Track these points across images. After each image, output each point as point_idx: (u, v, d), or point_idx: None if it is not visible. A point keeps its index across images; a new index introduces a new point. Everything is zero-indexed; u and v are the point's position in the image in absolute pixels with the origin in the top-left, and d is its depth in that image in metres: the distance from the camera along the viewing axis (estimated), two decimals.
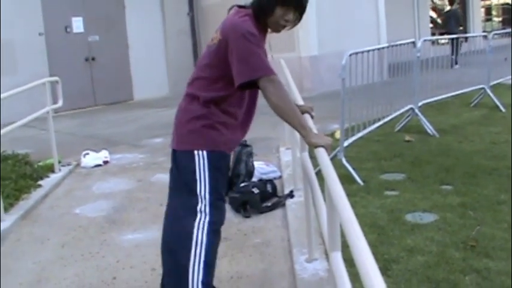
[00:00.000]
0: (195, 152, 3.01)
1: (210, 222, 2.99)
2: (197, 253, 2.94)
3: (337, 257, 2.34)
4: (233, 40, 2.89)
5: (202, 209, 2.99)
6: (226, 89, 3.01)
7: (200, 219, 2.98)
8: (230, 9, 3.15)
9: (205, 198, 3.00)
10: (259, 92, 3.01)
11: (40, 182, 6.60)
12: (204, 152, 3.01)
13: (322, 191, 2.86)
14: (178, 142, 3.10)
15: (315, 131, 3.08)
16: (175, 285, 3.01)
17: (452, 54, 12.19)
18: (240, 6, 3.11)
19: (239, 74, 2.88)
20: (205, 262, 2.96)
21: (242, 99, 3.13)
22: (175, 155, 3.13)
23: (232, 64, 2.90)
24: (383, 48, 8.13)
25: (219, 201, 3.09)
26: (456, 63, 12.34)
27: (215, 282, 3.88)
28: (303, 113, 3.53)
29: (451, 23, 17.37)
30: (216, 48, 2.99)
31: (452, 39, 11.33)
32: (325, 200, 2.56)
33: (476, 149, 7.19)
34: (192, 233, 2.96)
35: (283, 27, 3.10)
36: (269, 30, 3.13)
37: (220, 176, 3.11)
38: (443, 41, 13.82)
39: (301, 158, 3.97)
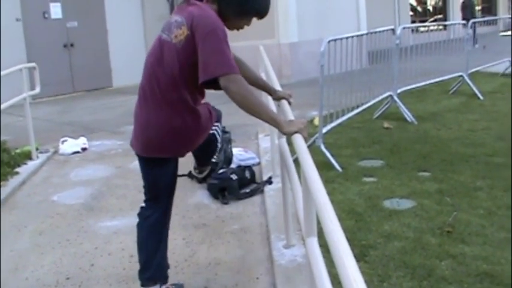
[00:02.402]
0: (212, 131, 3.49)
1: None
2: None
3: (313, 243, 2.35)
4: (203, 34, 2.84)
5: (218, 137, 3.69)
6: (195, 86, 3.01)
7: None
8: (182, 2, 3.08)
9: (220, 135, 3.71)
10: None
11: (17, 169, 6.55)
12: (216, 124, 3.57)
13: (300, 177, 2.87)
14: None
15: (291, 117, 3.08)
16: None
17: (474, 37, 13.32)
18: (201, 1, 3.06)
19: (203, 71, 2.84)
20: None
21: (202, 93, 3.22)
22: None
23: (199, 58, 2.85)
24: (362, 35, 8.13)
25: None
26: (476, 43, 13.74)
27: (193, 269, 3.91)
28: (280, 99, 3.55)
29: (468, 11, 20.43)
30: (184, 45, 2.92)
31: (474, 23, 11.72)
32: (301, 186, 2.57)
33: (454, 136, 7.25)
34: None
35: (239, 29, 3.20)
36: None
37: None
38: (422, 29, 13.88)
39: (279, 144, 3.98)
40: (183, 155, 3.25)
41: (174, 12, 3.09)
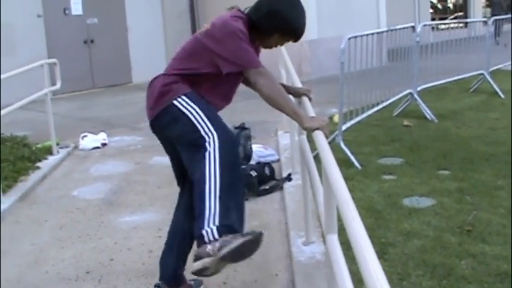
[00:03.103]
0: (174, 102, 3.01)
1: (219, 142, 2.91)
2: (212, 185, 2.82)
3: (333, 239, 2.35)
4: (223, 35, 2.98)
5: (208, 133, 2.93)
6: (201, 75, 3.07)
7: (209, 143, 2.91)
8: (230, 8, 3.21)
9: (206, 125, 2.95)
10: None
11: (38, 164, 6.60)
12: (182, 96, 3.02)
13: (320, 174, 2.86)
14: (153, 107, 3.10)
15: (312, 113, 3.09)
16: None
17: (495, 33, 13.43)
18: (240, 11, 3.19)
19: (228, 64, 2.97)
20: (220, 197, 2.81)
21: (216, 86, 3.15)
22: (155, 121, 3.12)
23: (219, 56, 2.97)
24: (382, 32, 8.09)
25: (221, 124, 3.02)
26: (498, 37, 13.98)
27: None
28: (300, 95, 3.56)
29: (496, 8, 20.98)
30: (201, 36, 3.07)
31: (496, 20, 11.73)
32: (322, 182, 2.57)
33: (475, 135, 7.20)
34: (204, 159, 2.88)
35: (271, 48, 3.29)
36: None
37: (208, 105, 3.08)
38: (442, 27, 13.80)
39: (299, 141, 3.97)
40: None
41: None
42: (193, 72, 3.06)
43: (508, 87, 10.40)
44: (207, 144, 2.91)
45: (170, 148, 3.28)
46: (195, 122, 2.96)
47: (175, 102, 3.00)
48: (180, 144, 3.11)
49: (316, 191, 3.03)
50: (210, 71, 3.04)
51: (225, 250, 2.70)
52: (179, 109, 3.00)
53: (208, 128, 2.94)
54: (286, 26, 3.14)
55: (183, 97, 3.01)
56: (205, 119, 2.96)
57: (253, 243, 2.82)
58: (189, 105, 2.99)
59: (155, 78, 3.18)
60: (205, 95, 3.10)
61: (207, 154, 2.88)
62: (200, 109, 2.98)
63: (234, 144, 3.08)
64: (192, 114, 2.97)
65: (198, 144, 2.93)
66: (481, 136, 7.11)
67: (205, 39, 3.03)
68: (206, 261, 2.73)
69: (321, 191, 2.76)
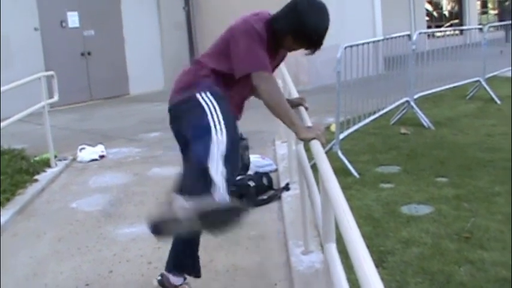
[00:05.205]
0: (196, 94, 3.04)
1: (227, 140, 2.95)
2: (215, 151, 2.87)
3: (332, 248, 2.35)
4: (239, 33, 3.02)
5: (216, 122, 2.95)
6: (223, 71, 3.11)
7: (216, 130, 2.93)
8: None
9: (219, 122, 2.96)
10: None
11: (36, 177, 6.59)
12: (207, 92, 3.04)
13: (318, 183, 2.87)
14: (178, 94, 3.16)
15: (309, 123, 3.10)
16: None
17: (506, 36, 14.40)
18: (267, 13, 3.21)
19: (237, 66, 3.00)
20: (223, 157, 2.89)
21: (235, 84, 3.16)
22: (175, 108, 3.17)
23: (234, 56, 3.01)
24: (378, 41, 8.13)
25: (233, 128, 3.06)
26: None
27: (211, 275, 3.91)
28: (296, 105, 3.56)
29: (505, 14, 22.84)
30: (224, 34, 3.14)
31: (505, 25, 12.14)
32: (319, 192, 2.58)
33: (472, 142, 7.21)
34: (210, 139, 2.91)
35: (294, 50, 3.23)
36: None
37: (228, 108, 3.09)
38: (438, 34, 13.87)
39: (296, 150, 3.98)
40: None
41: None
42: (226, 71, 3.09)
43: (504, 93, 10.42)
44: (213, 134, 2.91)
45: (182, 140, 3.27)
46: (209, 114, 2.96)
47: (197, 95, 3.03)
48: (187, 130, 3.10)
49: (314, 201, 3.04)
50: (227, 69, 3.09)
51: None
52: (198, 101, 3.01)
53: (220, 125, 2.94)
54: (300, 28, 3.04)
55: (208, 93, 3.04)
56: (220, 117, 2.96)
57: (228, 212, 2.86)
58: (210, 100, 3.01)
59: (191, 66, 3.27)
60: (231, 99, 3.15)
61: (213, 138, 2.90)
62: (219, 107, 2.99)
63: (237, 149, 3.15)
64: (209, 108, 2.98)
65: (205, 129, 2.93)
66: (478, 143, 7.12)
67: (224, 35, 3.13)
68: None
69: (318, 200, 2.77)
